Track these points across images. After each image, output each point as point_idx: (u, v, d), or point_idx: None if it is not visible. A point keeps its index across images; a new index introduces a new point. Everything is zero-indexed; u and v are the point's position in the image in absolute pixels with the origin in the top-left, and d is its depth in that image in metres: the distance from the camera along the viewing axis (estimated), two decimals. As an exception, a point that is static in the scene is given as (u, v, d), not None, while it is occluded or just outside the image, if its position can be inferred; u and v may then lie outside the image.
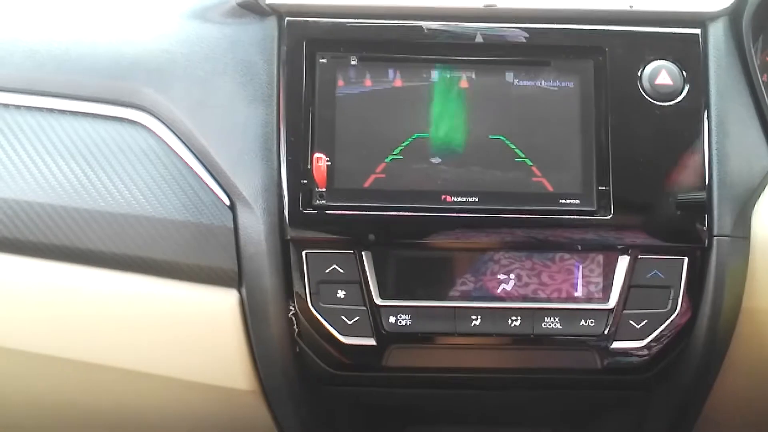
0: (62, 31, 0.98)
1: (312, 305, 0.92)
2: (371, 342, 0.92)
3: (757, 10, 0.98)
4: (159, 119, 0.94)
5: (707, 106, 0.95)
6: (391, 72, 0.95)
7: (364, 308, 0.92)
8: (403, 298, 0.93)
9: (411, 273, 0.93)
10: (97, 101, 0.95)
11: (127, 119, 0.95)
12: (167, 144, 0.94)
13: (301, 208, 0.92)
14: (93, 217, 0.92)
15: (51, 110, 0.95)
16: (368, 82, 0.94)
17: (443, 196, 0.93)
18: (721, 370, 0.98)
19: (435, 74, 0.95)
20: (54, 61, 0.96)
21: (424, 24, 0.95)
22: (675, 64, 0.96)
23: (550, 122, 0.95)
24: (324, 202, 0.92)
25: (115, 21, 1.00)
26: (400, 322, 0.92)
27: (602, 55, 0.95)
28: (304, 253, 0.92)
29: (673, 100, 0.95)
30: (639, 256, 0.94)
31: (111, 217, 0.92)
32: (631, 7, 0.96)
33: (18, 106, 0.95)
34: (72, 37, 0.98)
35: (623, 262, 0.94)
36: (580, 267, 0.94)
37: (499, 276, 0.94)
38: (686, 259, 0.94)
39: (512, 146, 0.94)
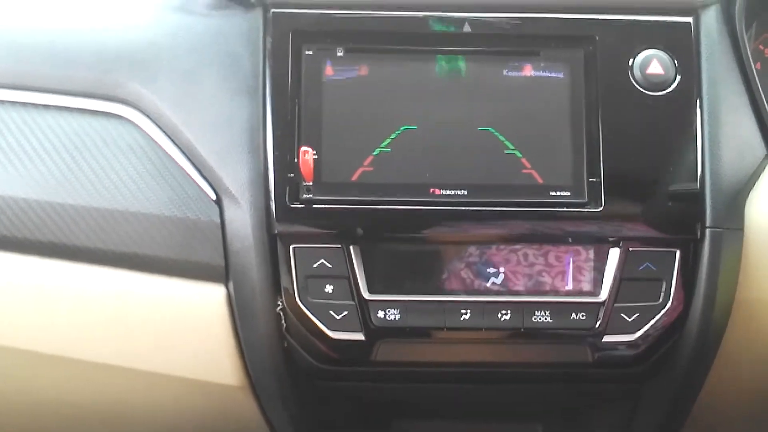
0: (45, 24, 0.98)
1: (300, 300, 0.91)
2: (360, 337, 0.92)
3: (749, -2, 0.97)
4: (144, 113, 0.93)
5: (699, 96, 0.94)
6: (378, 64, 0.94)
7: (353, 303, 0.91)
8: (391, 293, 0.92)
9: (399, 267, 0.93)
10: (81, 95, 0.94)
11: (112, 113, 0.94)
12: (152, 138, 0.93)
13: (288, 203, 0.91)
14: (78, 212, 0.92)
15: (35, 105, 0.94)
16: (355, 74, 0.93)
17: (432, 189, 0.92)
18: (714, 363, 0.97)
19: (422, 66, 0.94)
20: (37, 55, 0.95)
21: (411, 14, 0.94)
22: (666, 53, 0.94)
23: (539, 113, 0.93)
24: (311, 196, 0.92)
25: (98, 13, 0.99)
26: (389, 317, 0.92)
27: (593, 45, 0.94)
28: (291, 247, 0.91)
29: (664, 89, 0.94)
30: (630, 249, 0.92)
31: (97, 212, 0.92)
32: None
33: (2, 101, 0.95)
34: (55, 31, 0.97)
35: (614, 255, 0.93)
36: (571, 260, 0.94)
37: (488, 269, 0.93)
38: (678, 252, 0.93)
39: (501, 138, 0.93)
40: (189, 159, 0.92)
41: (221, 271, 0.92)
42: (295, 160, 0.92)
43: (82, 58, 0.95)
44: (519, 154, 0.93)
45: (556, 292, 0.93)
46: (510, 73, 0.94)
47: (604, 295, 0.92)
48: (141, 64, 0.94)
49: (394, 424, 1.10)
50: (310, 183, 0.92)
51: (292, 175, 0.91)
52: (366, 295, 0.91)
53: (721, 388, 0.99)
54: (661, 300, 0.93)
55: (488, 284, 0.93)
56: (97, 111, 0.94)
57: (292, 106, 0.92)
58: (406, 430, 1.10)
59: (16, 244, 0.93)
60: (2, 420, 1.05)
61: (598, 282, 0.93)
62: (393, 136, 0.93)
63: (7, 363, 0.97)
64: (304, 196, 0.92)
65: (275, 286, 0.92)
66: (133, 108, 0.94)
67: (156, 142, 0.93)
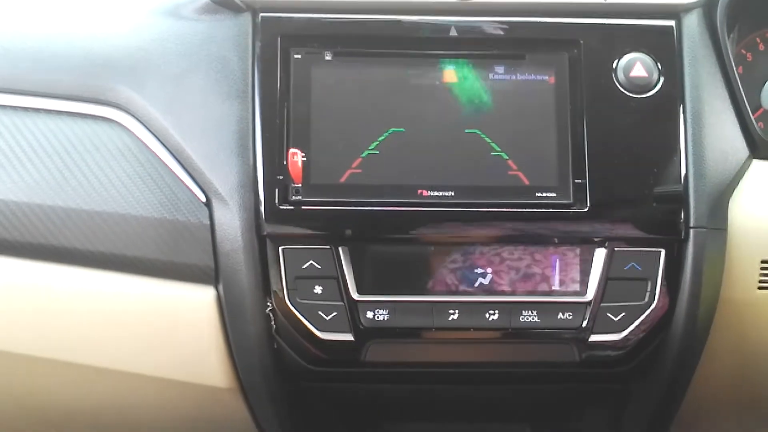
0: (36, 28, 0.98)
1: (289, 301, 0.92)
2: (349, 337, 0.92)
3: (731, 1, 0.99)
4: (134, 117, 0.94)
5: (682, 98, 0.96)
6: (365, 67, 0.95)
7: (342, 303, 0.92)
8: (380, 293, 0.92)
9: (388, 268, 0.93)
10: (72, 99, 0.95)
11: (102, 117, 0.95)
12: (142, 141, 0.94)
13: (277, 204, 0.92)
14: (69, 215, 0.92)
15: (26, 109, 0.95)
16: (343, 78, 0.94)
17: (419, 191, 0.93)
18: (700, 362, 0.98)
19: (410, 69, 0.95)
20: (28, 59, 0.96)
21: (399, 18, 0.95)
22: (650, 56, 0.96)
23: (525, 116, 0.95)
24: (300, 197, 0.92)
25: (88, 18, 1.00)
26: (378, 317, 0.92)
27: (577, 48, 0.95)
28: (280, 248, 0.92)
29: (648, 92, 0.95)
30: (616, 249, 0.93)
31: (87, 215, 0.92)
32: None
33: None
34: (46, 35, 0.98)
35: (600, 255, 0.94)
36: (558, 260, 0.94)
37: (476, 270, 0.94)
38: (663, 251, 0.94)
39: (488, 140, 0.94)
40: (179, 161, 0.93)
41: (211, 273, 0.93)
42: (284, 163, 0.92)
43: (72, 62, 0.96)
44: (505, 156, 0.94)
45: (543, 292, 0.94)
46: (496, 77, 0.95)
47: (590, 294, 0.93)
48: (131, 68, 0.95)
49: (385, 427, 1.10)
50: (299, 185, 0.92)
51: (281, 177, 0.92)
52: (355, 295, 0.92)
53: (708, 387, 1.00)
54: (646, 299, 0.94)
55: (476, 284, 0.94)
56: (87, 114, 0.95)
57: (281, 109, 0.93)
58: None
59: (7, 247, 0.93)
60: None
61: (584, 282, 0.94)
62: (381, 138, 0.94)
63: (-2, 366, 0.97)
64: (293, 197, 0.92)
65: (265, 288, 0.92)
66: (123, 111, 0.94)
67: (146, 145, 0.94)
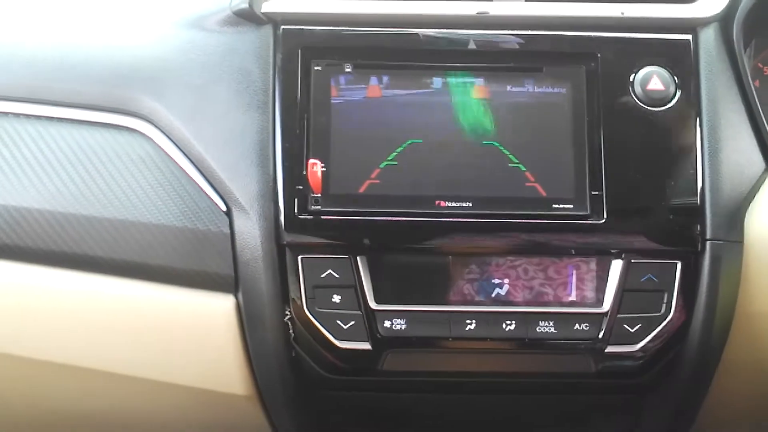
0: (60, 39, 1.00)
1: (308, 310, 0.93)
2: (367, 346, 0.93)
3: (748, 16, 0.99)
4: (156, 126, 0.95)
5: (699, 112, 0.96)
6: (385, 79, 0.96)
7: (360, 313, 0.93)
8: (398, 303, 0.93)
9: (406, 277, 0.94)
10: (94, 109, 0.96)
11: (124, 127, 0.96)
12: (164, 151, 0.95)
13: (296, 214, 0.93)
14: (91, 223, 0.93)
15: (50, 118, 0.97)
16: (362, 89, 0.95)
17: (437, 201, 0.94)
18: (716, 374, 0.98)
19: (428, 81, 0.96)
20: (52, 70, 0.98)
21: (418, 31, 0.97)
22: (666, 69, 0.97)
23: (543, 128, 0.96)
24: (319, 207, 0.93)
25: (112, 29, 1.01)
26: (396, 327, 0.93)
27: (594, 61, 0.96)
28: (299, 258, 0.93)
29: (665, 105, 0.96)
30: (632, 260, 0.94)
31: (109, 223, 0.93)
32: (622, 13, 0.98)
33: (17, 114, 0.97)
34: (70, 45, 0.99)
35: (617, 266, 0.94)
36: (574, 271, 0.95)
37: (493, 280, 0.95)
38: (680, 263, 0.94)
39: (506, 152, 0.95)
40: (200, 171, 0.94)
41: (230, 281, 0.94)
42: (304, 173, 0.93)
43: (96, 73, 0.97)
44: (523, 168, 0.95)
45: (559, 303, 0.95)
46: (514, 89, 0.96)
47: (606, 305, 0.94)
48: (153, 79, 0.96)
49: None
50: (319, 195, 0.93)
51: (301, 187, 0.93)
52: (373, 305, 0.93)
53: (724, 398, 1.00)
54: (663, 311, 0.94)
55: (493, 295, 0.95)
56: (109, 124, 0.96)
57: (301, 120, 0.94)
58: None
59: (28, 255, 0.94)
60: (12, 428, 1.06)
61: (600, 293, 0.94)
62: (399, 149, 0.94)
63: (16, 371, 0.98)
64: (313, 207, 0.93)
65: (284, 296, 0.93)
66: (145, 121, 0.96)
67: (168, 154, 0.95)
